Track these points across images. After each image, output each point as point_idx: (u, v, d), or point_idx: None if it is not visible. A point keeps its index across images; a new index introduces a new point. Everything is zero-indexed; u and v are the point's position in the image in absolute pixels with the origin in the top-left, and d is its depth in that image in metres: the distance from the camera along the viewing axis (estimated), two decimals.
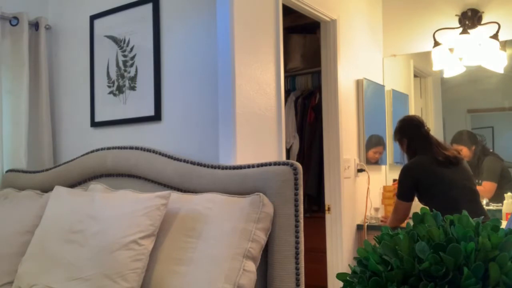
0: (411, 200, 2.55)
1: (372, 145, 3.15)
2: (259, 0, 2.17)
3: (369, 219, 2.98)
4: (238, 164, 1.87)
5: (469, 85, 3.19)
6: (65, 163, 2.38)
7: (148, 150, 2.10)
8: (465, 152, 3.10)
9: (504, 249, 0.69)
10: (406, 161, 2.67)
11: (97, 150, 2.28)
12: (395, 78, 3.45)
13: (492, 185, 3.01)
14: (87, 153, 2.31)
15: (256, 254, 1.59)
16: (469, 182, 2.52)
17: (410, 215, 2.54)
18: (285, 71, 2.88)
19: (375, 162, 3.21)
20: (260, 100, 2.12)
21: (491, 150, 3.11)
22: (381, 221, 3.00)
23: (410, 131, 2.63)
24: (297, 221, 1.65)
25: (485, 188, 3.00)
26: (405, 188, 2.55)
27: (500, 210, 2.83)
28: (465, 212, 0.77)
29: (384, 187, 3.14)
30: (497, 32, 2.90)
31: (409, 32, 3.31)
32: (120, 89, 2.41)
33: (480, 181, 3.03)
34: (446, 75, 3.19)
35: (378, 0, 3.40)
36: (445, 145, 2.63)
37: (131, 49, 2.37)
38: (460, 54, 3.03)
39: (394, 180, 3.15)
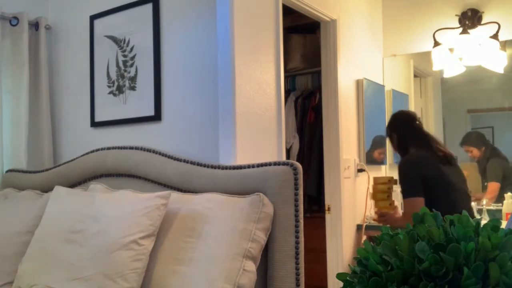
0: (424, 195, 2.18)
1: (377, 145, 3.17)
2: (259, 0, 2.17)
3: (369, 219, 2.98)
4: (238, 164, 1.87)
5: (469, 85, 3.19)
6: (65, 163, 2.38)
7: (148, 150, 2.09)
8: (475, 153, 3.09)
9: (504, 249, 0.69)
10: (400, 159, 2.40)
11: (97, 150, 2.28)
12: (395, 78, 3.45)
13: (496, 185, 3.00)
14: (87, 153, 2.31)
15: (256, 254, 1.59)
16: (465, 186, 2.34)
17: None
18: (285, 71, 2.88)
19: (381, 162, 3.24)
20: (260, 100, 2.12)
21: (498, 151, 3.10)
22: (374, 219, 2.73)
23: (400, 126, 2.43)
24: (297, 221, 1.65)
25: (489, 188, 2.99)
26: (415, 182, 2.19)
27: (500, 210, 2.83)
28: (465, 212, 0.77)
29: (375, 178, 2.64)
30: (497, 32, 2.90)
31: (409, 32, 3.31)
32: (120, 89, 2.41)
33: (486, 183, 3.04)
34: (446, 75, 3.18)
35: (378, 0, 3.40)
36: (440, 142, 2.44)
37: (131, 49, 2.37)
38: (460, 54, 3.03)
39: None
